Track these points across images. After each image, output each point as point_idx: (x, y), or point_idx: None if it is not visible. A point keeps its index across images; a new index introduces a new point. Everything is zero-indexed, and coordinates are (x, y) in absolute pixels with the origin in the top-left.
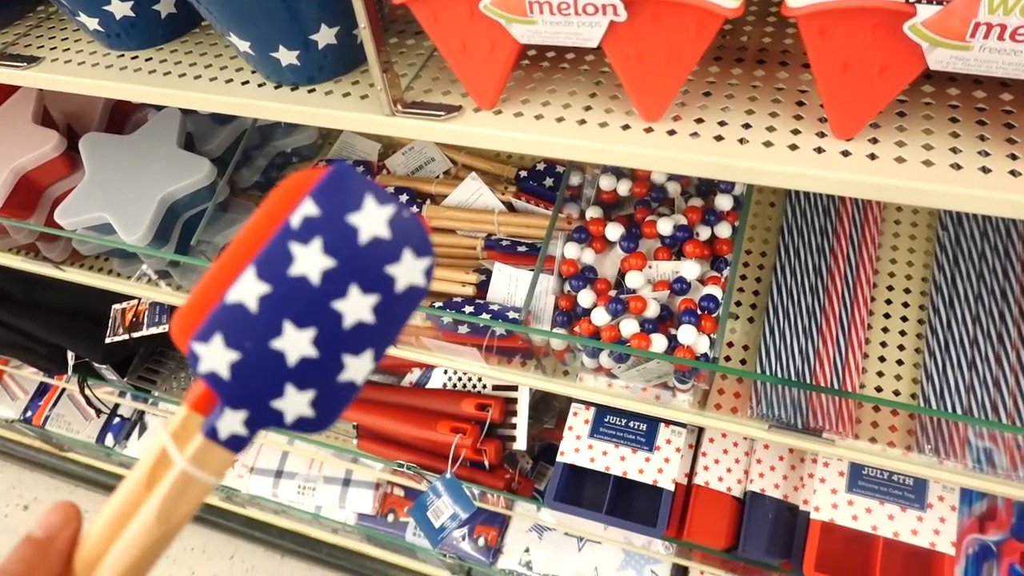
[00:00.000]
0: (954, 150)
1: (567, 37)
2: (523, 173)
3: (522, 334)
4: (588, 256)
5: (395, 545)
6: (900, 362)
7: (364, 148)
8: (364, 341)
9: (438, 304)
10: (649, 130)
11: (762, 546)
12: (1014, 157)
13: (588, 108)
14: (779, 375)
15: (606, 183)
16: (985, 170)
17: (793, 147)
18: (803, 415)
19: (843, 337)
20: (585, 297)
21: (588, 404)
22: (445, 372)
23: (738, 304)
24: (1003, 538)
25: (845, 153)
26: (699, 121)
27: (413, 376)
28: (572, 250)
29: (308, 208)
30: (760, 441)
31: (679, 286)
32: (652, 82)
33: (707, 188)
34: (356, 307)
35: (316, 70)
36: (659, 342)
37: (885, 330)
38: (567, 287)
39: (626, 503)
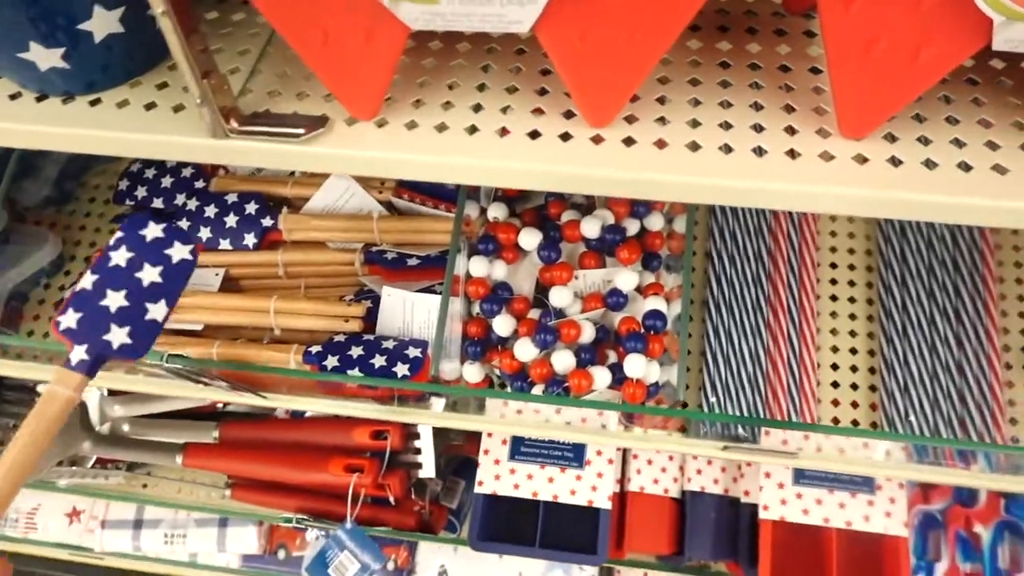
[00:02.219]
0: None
1: (484, 21)
2: None
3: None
4: (499, 271)
5: None
6: (854, 361)
7: None
8: (158, 294)
9: (315, 348)
10: (598, 139)
11: (707, 547)
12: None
13: (507, 109)
14: (728, 388)
15: None
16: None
17: (793, 153)
18: (757, 430)
19: (796, 336)
20: (502, 324)
21: (504, 436)
22: None
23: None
24: (947, 505)
25: (861, 159)
26: (661, 121)
27: None
28: (480, 266)
29: (118, 234)
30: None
31: (615, 300)
32: (602, 74)
33: None
34: (148, 275)
35: (97, 71)
36: (601, 378)
37: (835, 348)
38: (476, 310)
39: (559, 525)
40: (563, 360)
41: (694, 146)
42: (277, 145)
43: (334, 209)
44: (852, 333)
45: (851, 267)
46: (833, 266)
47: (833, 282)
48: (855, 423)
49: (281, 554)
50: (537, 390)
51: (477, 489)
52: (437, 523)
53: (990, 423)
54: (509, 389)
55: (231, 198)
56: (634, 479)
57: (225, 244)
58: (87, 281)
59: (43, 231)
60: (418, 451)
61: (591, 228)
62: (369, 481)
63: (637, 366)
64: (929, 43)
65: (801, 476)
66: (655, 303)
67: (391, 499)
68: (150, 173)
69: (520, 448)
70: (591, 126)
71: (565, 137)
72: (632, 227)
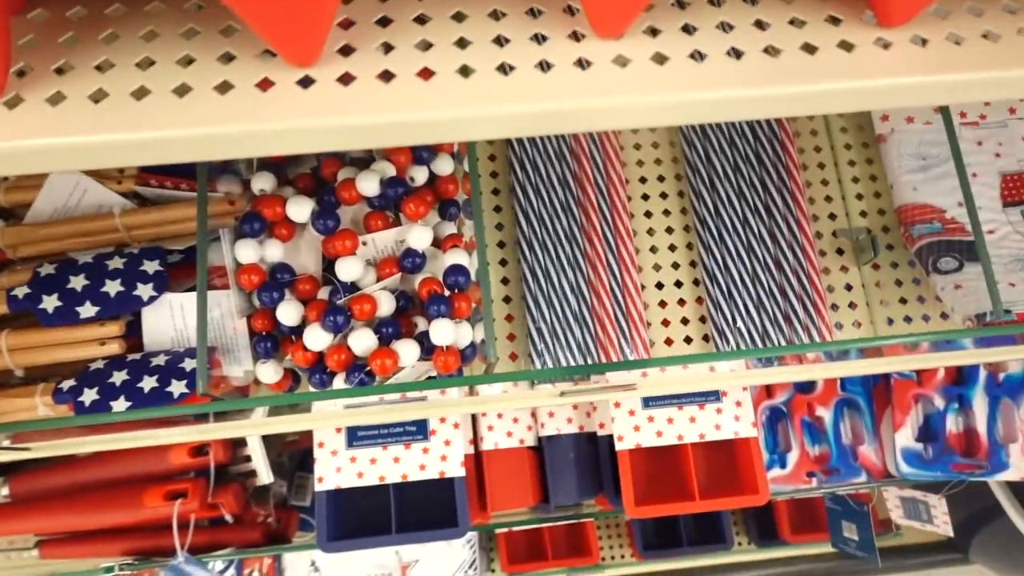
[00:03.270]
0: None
1: None
2: None
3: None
4: (275, 252)
5: None
6: (677, 276)
7: None
8: None
9: (67, 384)
10: (307, 81)
11: (573, 489)
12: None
13: (189, 62)
14: (553, 329)
15: None
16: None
17: (544, 65)
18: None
19: (615, 261)
20: (287, 312)
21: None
22: None
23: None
24: (789, 396)
25: (622, 61)
26: (387, 50)
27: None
28: (247, 250)
29: None
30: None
31: (411, 262)
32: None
33: None
34: None
35: None
36: (408, 352)
37: (656, 265)
38: (257, 301)
39: (415, 502)
40: (362, 340)
41: (427, 73)
42: None
43: (66, 212)
44: (671, 247)
45: (660, 178)
46: (643, 180)
47: (645, 197)
48: (688, 340)
49: None
50: (338, 380)
51: (318, 487)
52: (289, 527)
53: (813, 314)
54: (309, 386)
55: None
56: (487, 436)
57: None
58: None
59: None
60: (248, 458)
61: (369, 185)
62: (196, 504)
63: (444, 332)
64: None
65: (650, 400)
66: (455, 257)
67: (227, 517)
68: None
69: (357, 434)
70: (294, 64)
71: (265, 86)
72: (420, 175)
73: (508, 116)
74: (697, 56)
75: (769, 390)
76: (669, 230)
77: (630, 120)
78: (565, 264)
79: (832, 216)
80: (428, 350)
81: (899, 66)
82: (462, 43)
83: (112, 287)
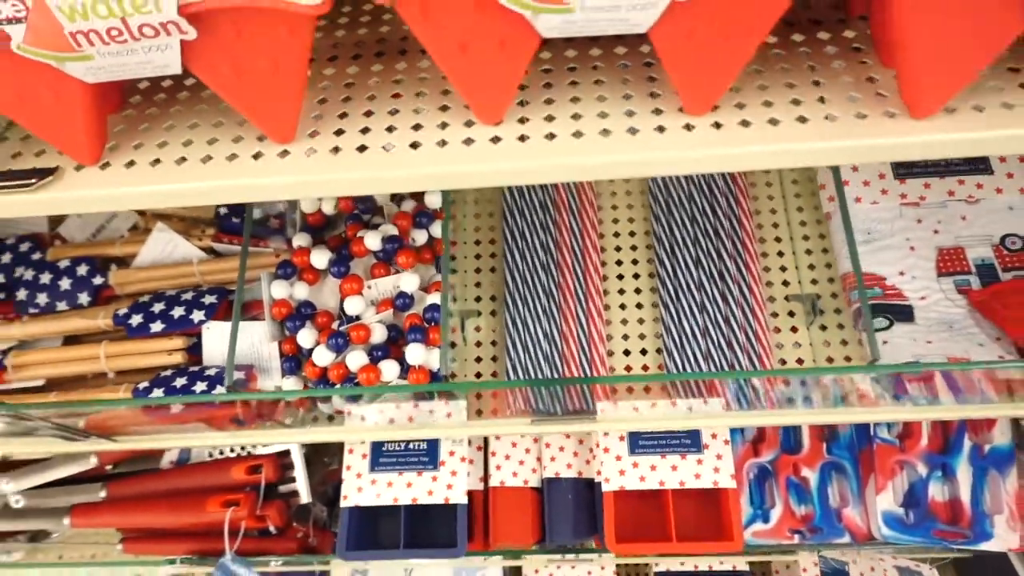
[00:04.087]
0: (601, 115)
1: (136, 68)
2: (223, 210)
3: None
4: (301, 291)
5: None
6: (642, 326)
7: (28, 221)
8: None
9: (143, 384)
10: (284, 153)
11: (568, 529)
12: (657, 112)
13: (214, 141)
14: (527, 369)
15: (307, 205)
16: (633, 131)
17: (442, 143)
18: (561, 401)
19: (583, 314)
20: (305, 337)
21: (362, 439)
22: None
23: (478, 300)
24: (775, 456)
25: (495, 139)
26: (339, 133)
27: (172, 454)
28: (280, 289)
29: None
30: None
31: (402, 302)
32: (267, 100)
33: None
34: None
35: None
36: (389, 370)
37: (623, 304)
38: (287, 330)
39: (425, 527)
40: (356, 360)
41: (361, 148)
42: (14, 196)
43: (160, 261)
44: (637, 291)
45: (631, 233)
46: (616, 234)
47: (618, 249)
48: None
49: None
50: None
51: (342, 504)
52: (324, 548)
53: (755, 341)
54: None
55: (63, 263)
56: (494, 475)
57: (62, 306)
58: None
59: None
60: (294, 479)
61: (373, 241)
62: (246, 513)
63: (416, 354)
64: (502, 39)
65: (635, 446)
66: (434, 298)
67: (271, 528)
68: None
69: (379, 460)
70: (276, 143)
71: (257, 156)
72: (420, 237)
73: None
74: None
75: (756, 449)
76: (636, 276)
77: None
78: (540, 293)
79: (786, 283)
80: (406, 371)
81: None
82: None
83: (177, 311)
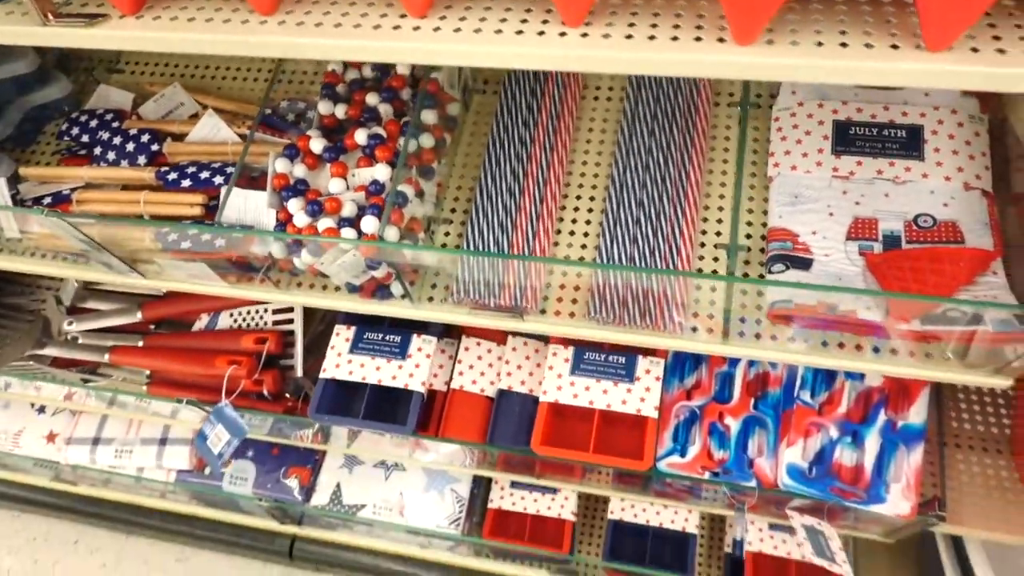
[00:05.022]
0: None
1: None
2: (268, 111)
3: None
4: (300, 171)
5: (217, 500)
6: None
7: (117, 99)
8: None
9: (168, 231)
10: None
11: (509, 435)
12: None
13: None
14: (479, 246)
15: (324, 108)
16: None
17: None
18: (496, 296)
19: (536, 211)
20: (294, 205)
21: (349, 324)
22: (231, 315)
23: (455, 203)
24: (705, 402)
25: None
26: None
27: (202, 322)
28: (282, 164)
29: None
30: (509, 345)
31: (374, 187)
32: None
33: (426, 105)
34: None
35: None
36: (347, 234)
37: (576, 209)
38: (282, 199)
39: (389, 409)
40: (323, 223)
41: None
42: (76, 30)
43: (206, 140)
44: (591, 197)
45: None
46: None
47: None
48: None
49: (208, 470)
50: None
51: (321, 375)
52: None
53: (679, 238)
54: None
55: (133, 131)
56: (456, 380)
57: (124, 163)
58: None
59: (7, 160)
60: (292, 355)
61: (362, 136)
62: (244, 373)
63: (370, 225)
64: None
65: (576, 368)
66: (405, 188)
67: (266, 393)
68: (83, 118)
69: (359, 344)
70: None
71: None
72: (411, 146)
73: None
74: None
75: (689, 394)
76: (595, 175)
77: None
78: (509, 173)
79: (719, 234)
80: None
81: None
82: None
83: (204, 174)
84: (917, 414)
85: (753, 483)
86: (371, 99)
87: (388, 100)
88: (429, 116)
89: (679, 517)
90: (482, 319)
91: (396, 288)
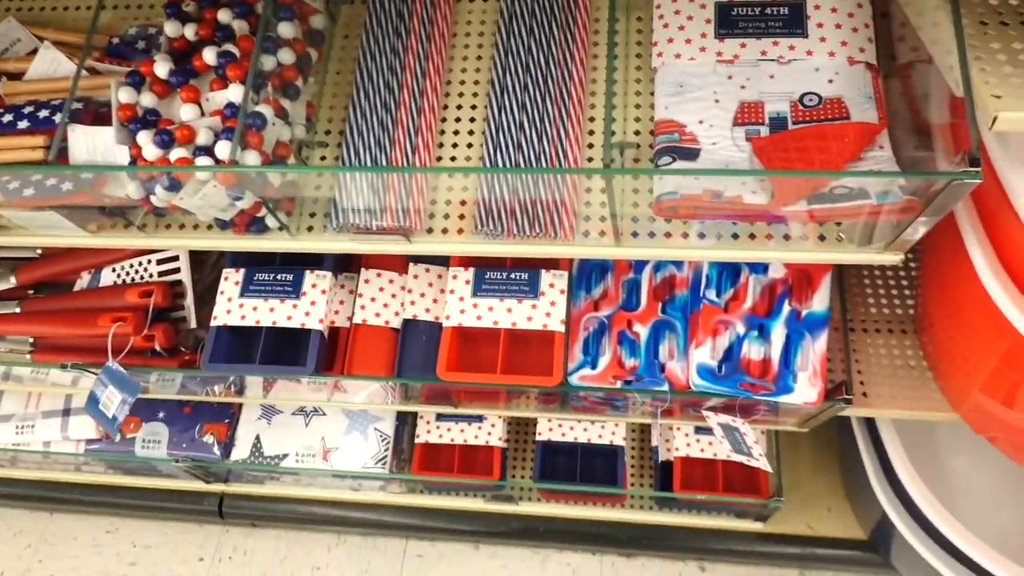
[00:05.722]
0: None
1: None
2: (115, 40)
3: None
4: (148, 100)
5: (134, 466)
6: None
7: None
8: None
9: (4, 178)
10: None
11: (417, 365)
12: None
13: None
14: (355, 161)
15: (171, 29)
16: None
17: None
18: (378, 218)
19: (414, 125)
20: (142, 137)
21: (238, 267)
22: (114, 270)
23: (329, 124)
24: (613, 311)
25: None
26: None
27: (83, 281)
28: (126, 94)
29: None
30: (411, 273)
31: (229, 110)
32: None
33: (282, 16)
34: None
35: None
36: (202, 162)
37: (457, 120)
38: (130, 131)
39: (288, 351)
40: (175, 154)
41: None
42: None
43: (46, 76)
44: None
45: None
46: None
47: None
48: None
49: (117, 437)
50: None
51: (212, 323)
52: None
53: (564, 140)
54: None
55: None
56: (358, 314)
57: None
58: None
59: None
60: (183, 307)
61: (211, 56)
62: (131, 330)
63: (223, 150)
64: None
65: (478, 289)
66: (263, 109)
67: (159, 348)
68: None
69: (250, 286)
70: None
71: None
72: (268, 62)
73: None
74: None
75: (596, 304)
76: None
77: None
78: (383, 87)
79: (613, 132)
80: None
81: None
82: None
83: (43, 113)
84: (820, 302)
85: (665, 387)
86: (223, 16)
87: (243, 15)
88: (287, 29)
89: (606, 431)
90: (366, 245)
91: (272, 220)
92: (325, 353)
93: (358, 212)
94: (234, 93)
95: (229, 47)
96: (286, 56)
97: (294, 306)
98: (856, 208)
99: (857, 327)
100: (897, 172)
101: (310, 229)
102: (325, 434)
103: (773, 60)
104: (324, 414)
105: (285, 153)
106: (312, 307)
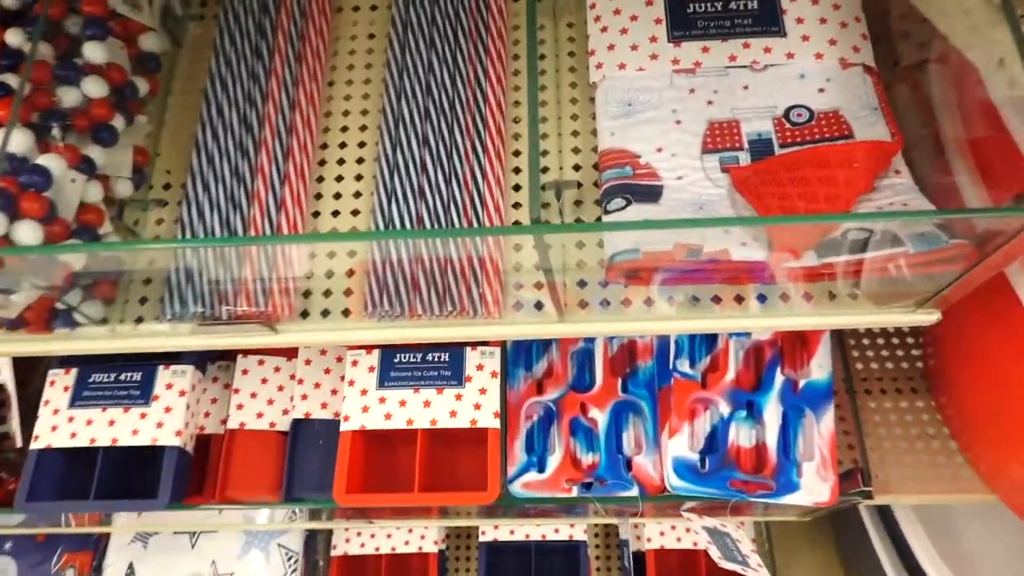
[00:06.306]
0: None
1: None
2: None
3: None
4: None
5: None
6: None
7: None
8: None
9: None
10: None
11: (314, 477)
12: None
13: None
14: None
15: None
16: None
17: None
18: (230, 302)
19: (278, 172)
20: None
21: (68, 367)
22: None
23: (168, 176)
24: (562, 393)
25: None
26: None
27: None
28: None
29: None
30: (301, 358)
31: (9, 163)
32: None
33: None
34: None
35: None
36: None
37: (341, 161)
38: None
39: (126, 472)
40: None
41: None
42: None
43: None
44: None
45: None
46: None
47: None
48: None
49: None
50: None
51: (32, 445)
52: None
53: (483, 188)
54: None
55: None
56: (235, 415)
57: None
58: None
59: None
60: (4, 419)
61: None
62: None
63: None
64: None
65: (386, 378)
66: (45, 160)
67: None
68: None
69: (83, 392)
70: None
71: None
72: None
73: None
74: None
75: (541, 385)
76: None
77: None
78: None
79: (546, 169)
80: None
81: None
82: None
83: None
84: (820, 367)
85: (635, 491)
86: (12, 38)
87: (47, 37)
88: (96, 51)
89: (563, 524)
90: (214, 339)
91: (80, 314)
92: (189, 472)
93: (200, 296)
94: (16, 140)
95: (7, 77)
96: (93, 87)
97: (142, 415)
98: (886, 259)
99: (859, 388)
100: (964, 210)
101: (138, 321)
102: (217, 556)
103: (745, 67)
104: (215, 531)
105: (95, 219)
106: (167, 415)
